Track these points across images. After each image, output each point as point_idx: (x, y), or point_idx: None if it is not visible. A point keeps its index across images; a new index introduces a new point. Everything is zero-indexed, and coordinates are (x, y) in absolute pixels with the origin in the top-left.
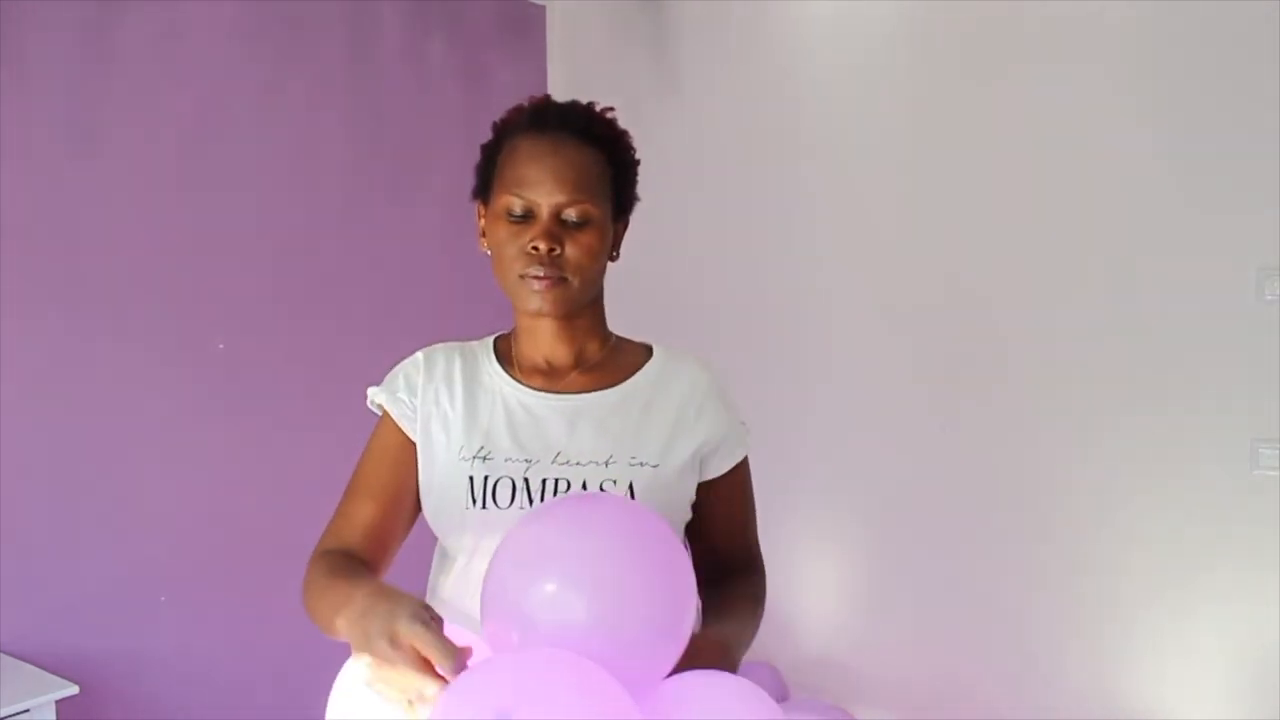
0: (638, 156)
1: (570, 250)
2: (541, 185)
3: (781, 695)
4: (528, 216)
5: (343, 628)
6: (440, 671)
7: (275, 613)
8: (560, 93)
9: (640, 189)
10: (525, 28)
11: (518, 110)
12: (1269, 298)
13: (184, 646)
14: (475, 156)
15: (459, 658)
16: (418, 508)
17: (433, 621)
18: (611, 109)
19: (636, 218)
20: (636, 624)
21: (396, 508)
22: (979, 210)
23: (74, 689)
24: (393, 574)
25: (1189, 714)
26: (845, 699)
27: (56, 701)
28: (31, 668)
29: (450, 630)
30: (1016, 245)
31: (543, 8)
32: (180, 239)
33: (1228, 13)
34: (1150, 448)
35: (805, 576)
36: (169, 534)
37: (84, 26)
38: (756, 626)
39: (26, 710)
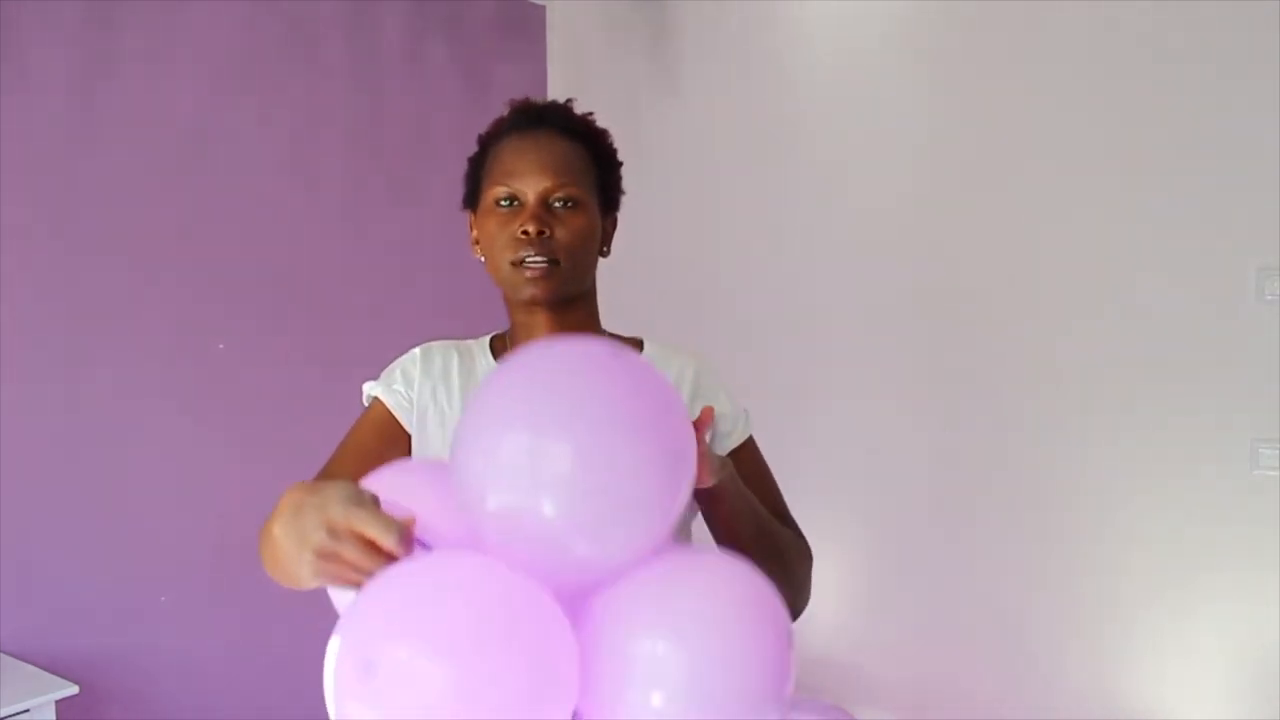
0: (620, 158)
1: (560, 233)
2: (527, 175)
3: None
4: (515, 204)
5: (279, 537)
6: (392, 549)
7: (275, 613)
8: (560, 93)
9: (639, 188)
10: (525, 28)
11: (499, 120)
12: (1269, 298)
13: (184, 646)
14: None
15: (403, 532)
16: None
17: (369, 501)
18: (590, 113)
19: (635, 217)
20: (624, 486)
21: None
22: (979, 209)
23: (74, 689)
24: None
25: (1189, 714)
26: (845, 699)
27: (56, 701)
28: (31, 668)
29: (398, 480)
30: (1017, 244)
31: (543, 8)
32: (180, 239)
33: (1228, 12)
34: (1150, 448)
35: None
36: (169, 534)
37: (84, 26)
38: (776, 535)
39: (26, 710)
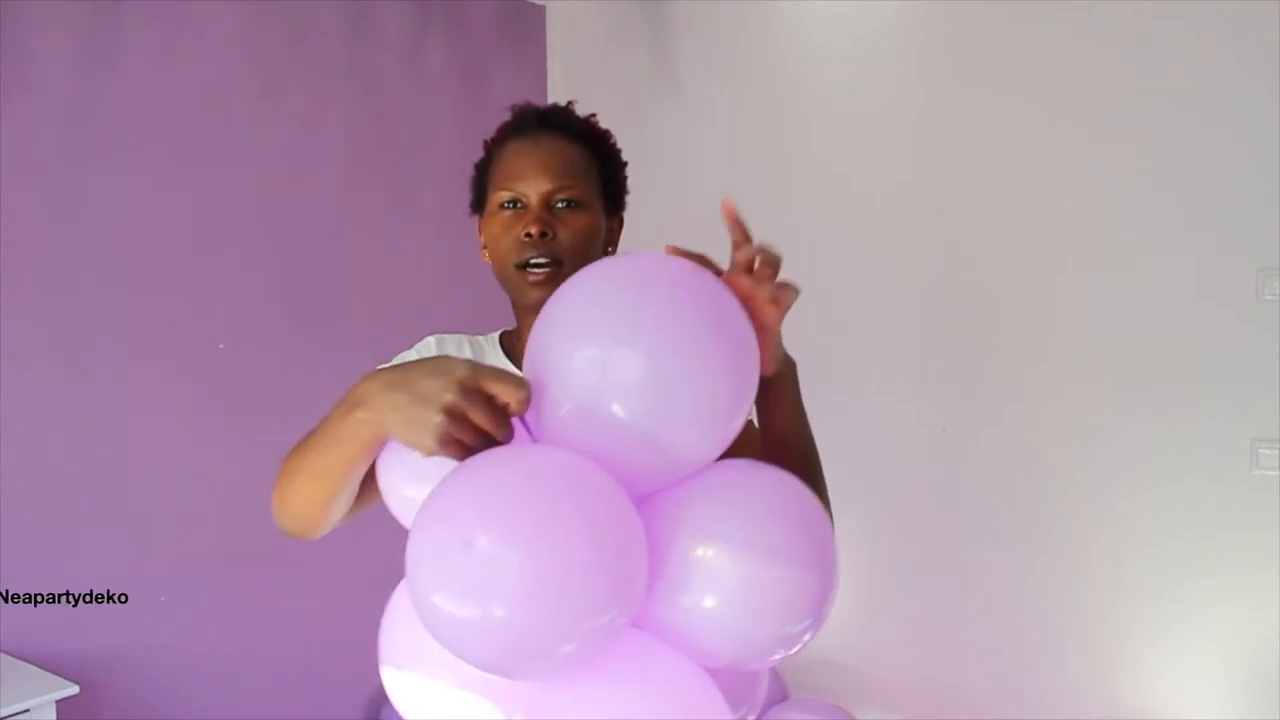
0: (625, 159)
1: (563, 234)
2: (529, 178)
3: (781, 695)
4: (518, 207)
5: (384, 412)
6: (515, 405)
7: (276, 613)
8: (560, 93)
9: (640, 188)
10: (525, 28)
11: (502, 125)
12: (1269, 298)
13: (184, 646)
14: (475, 157)
15: (530, 389)
16: None
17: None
18: (593, 114)
19: (635, 216)
20: (696, 393)
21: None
22: (979, 209)
23: (74, 689)
24: (382, 568)
25: (1189, 714)
26: (845, 699)
27: (56, 701)
28: (31, 668)
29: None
30: (1017, 245)
31: (543, 8)
32: (180, 239)
33: (1228, 12)
34: (1150, 447)
35: None
36: (169, 534)
37: (84, 27)
38: (816, 461)
39: (26, 710)
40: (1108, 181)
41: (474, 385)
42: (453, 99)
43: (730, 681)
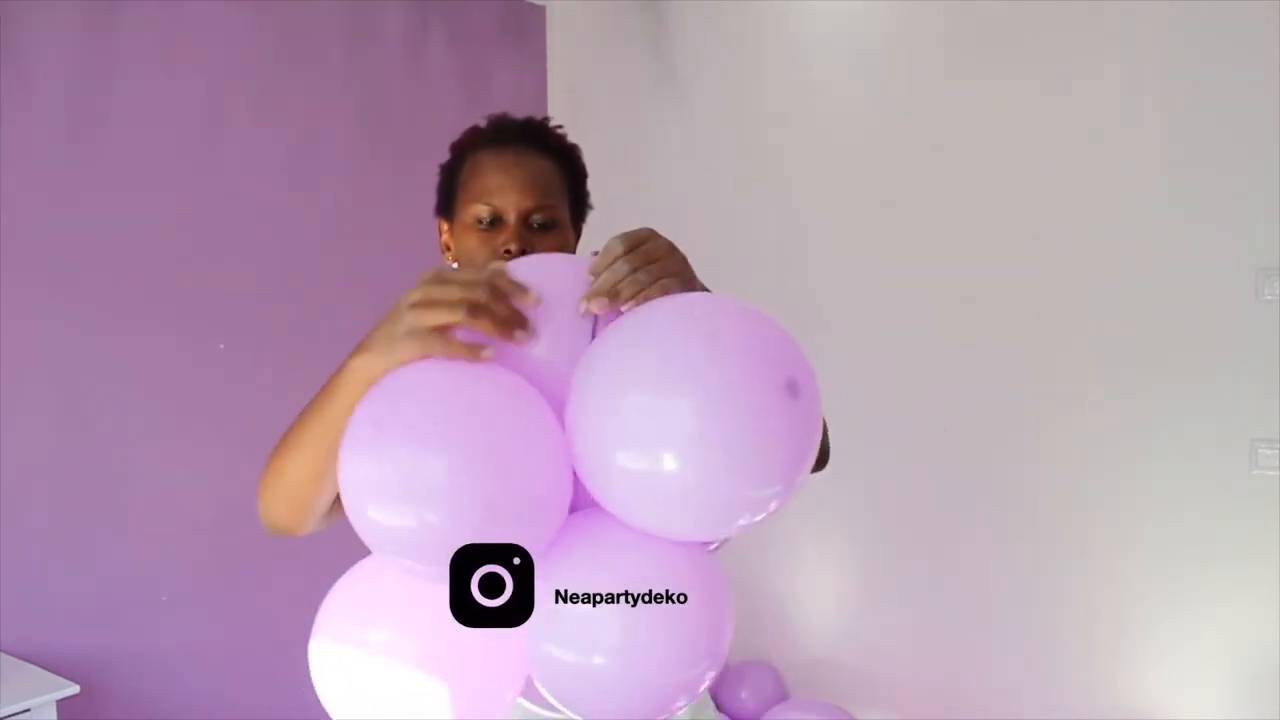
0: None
1: (540, 251)
2: (508, 193)
3: (781, 695)
4: (496, 223)
5: (364, 354)
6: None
7: (275, 613)
8: (559, 93)
9: (639, 188)
10: (525, 28)
11: (474, 129)
12: (1268, 298)
13: (184, 646)
14: None
15: (507, 285)
16: None
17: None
18: (560, 125)
19: (634, 217)
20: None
21: None
22: (979, 209)
23: (74, 689)
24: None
25: (1189, 714)
26: (845, 699)
27: (57, 701)
28: (32, 667)
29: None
30: (1017, 245)
31: (542, 8)
32: (180, 239)
33: (1228, 13)
34: (1150, 448)
35: (805, 577)
36: (169, 534)
37: (84, 26)
38: None
39: (27, 710)
40: (1107, 181)
41: (442, 277)
42: (453, 99)
43: None
